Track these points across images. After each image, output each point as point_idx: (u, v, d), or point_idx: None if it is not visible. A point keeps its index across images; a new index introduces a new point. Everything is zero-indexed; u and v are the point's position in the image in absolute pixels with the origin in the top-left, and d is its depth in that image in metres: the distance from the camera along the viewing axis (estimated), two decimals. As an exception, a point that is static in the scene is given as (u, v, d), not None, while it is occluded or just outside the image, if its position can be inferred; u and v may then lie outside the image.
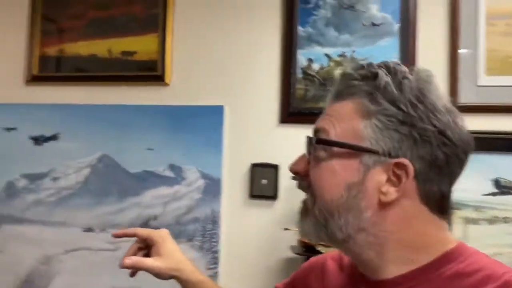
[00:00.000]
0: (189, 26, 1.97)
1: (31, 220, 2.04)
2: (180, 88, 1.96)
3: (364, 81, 0.63)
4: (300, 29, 1.83)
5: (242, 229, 1.85)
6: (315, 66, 1.82)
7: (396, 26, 1.75)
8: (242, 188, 1.86)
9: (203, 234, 1.87)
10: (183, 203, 1.90)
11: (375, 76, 0.62)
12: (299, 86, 1.82)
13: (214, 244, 1.85)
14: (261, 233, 1.84)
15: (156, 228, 0.90)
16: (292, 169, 0.68)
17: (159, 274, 0.81)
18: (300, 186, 0.68)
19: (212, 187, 1.88)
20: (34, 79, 2.09)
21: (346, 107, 0.63)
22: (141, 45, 2.00)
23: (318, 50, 1.82)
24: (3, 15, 2.14)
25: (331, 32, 1.81)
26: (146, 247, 0.85)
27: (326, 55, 1.81)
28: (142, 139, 1.96)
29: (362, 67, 0.66)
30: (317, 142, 0.64)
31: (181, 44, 1.97)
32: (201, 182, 1.90)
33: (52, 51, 2.09)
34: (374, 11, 1.77)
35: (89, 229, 1.97)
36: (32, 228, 2.03)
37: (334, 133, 0.62)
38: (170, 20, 1.96)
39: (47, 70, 2.09)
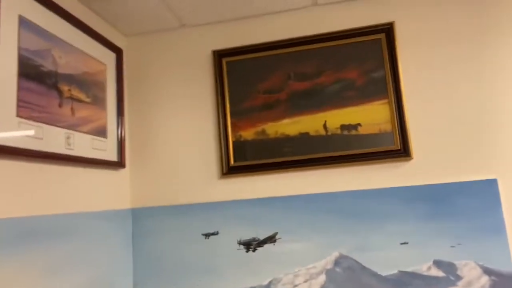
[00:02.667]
0: (421, 84, 1.63)
1: None
2: (428, 162, 1.59)
3: None
4: None
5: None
6: None
7: None
8: (546, 283, 1.45)
9: None
10: (466, 310, 1.48)
11: None
12: None
13: None
14: None
15: None
16: None
17: None
18: None
19: (504, 285, 1.46)
20: (230, 170, 1.74)
21: None
22: (365, 116, 1.66)
23: None
24: (192, 105, 1.84)
25: None
26: None
27: None
28: (390, 230, 1.57)
29: None
30: None
31: (416, 109, 1.63)
32: (485, 280, 1.48)
33: (248, 134, 1.75)
34: None
35: None
36: None
37: None
38: (401, 82, 1.63)
39: (244, 158, 1.74)
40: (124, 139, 1.77)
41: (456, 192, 1.54)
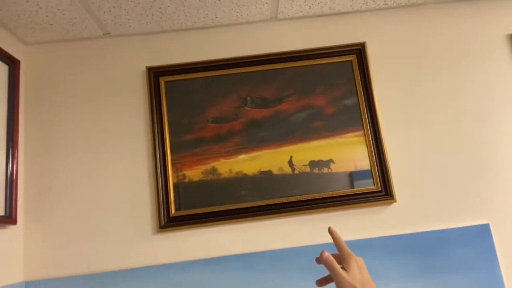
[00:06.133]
0: (399, 115, 1.42)
1: None
2: (413, 206, 1.34)
3: None
4: None
5: None
6: None
7: None
8: None
9: None
10: None
11: None
12: None
13: None
14: None
15: None
16: None
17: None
18: None
19: None
20: (170, 222, 1.32)
21: None
22: (338, 151, 1.38)
23: None
24: (117, 136, 1.40)
25: None
26: None
27: None
28: (376, 293, 1.26)
29: None
30: None
31: (396, 143, 1.40)
32: None
33: (194, 174, 1.36)
34: None
35: None
36: None
37: None
38: (377, 112, 1.40)
39: (189, 205, 1.34)
40: (16, 183, 1.26)
41: (446, 240, 1.31)
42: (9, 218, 1.22)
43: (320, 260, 0.75)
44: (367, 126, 1.39)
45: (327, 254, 0.74)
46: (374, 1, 1.44)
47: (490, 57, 1.46)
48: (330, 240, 1.31)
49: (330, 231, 0.80)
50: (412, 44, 1.47)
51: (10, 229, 1.25)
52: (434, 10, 1.50)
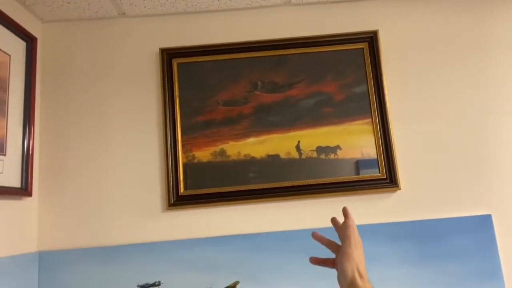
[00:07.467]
0: (408, 104, 1.43)
1: None
2: (417, 194, 1.37)
3: None
4: None
5: None
6: None
7: None
8: (547, 335, 1.27)
9: None
10: None
11: None
12: None
13: None
14: None
15: None
16: None
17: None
18: None
19: None
20: (179, 200, 1.36)
21: None
22: (346, 137, 1.40)
23: None
24: (130, 115, 1.43)
25: None
26: None
27: None
28: (376, 276, 1.28)
29: None
30: None
31: (403, 132, 1.41)
32: (483, 334, 1.27)
33: (203, 155, 1.39)
34: None
35: None
36: None
37: None
38: (386, 100, 1.41)
39: (197, 185, 1.38)
40: (32, 157, 1.30)
41: (448, 229, 1.33)
42: (25, 191, 1.27)
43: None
44: (376, 114, 1.41)
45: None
46: (388, -11, 1.44)
47: (502, 51, 1.46)
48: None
49: (345, 211, 0.79)
50: (425, 35, 1.47)
51: (26, 201, 1.30)
52: (448, 0, 1.49)
